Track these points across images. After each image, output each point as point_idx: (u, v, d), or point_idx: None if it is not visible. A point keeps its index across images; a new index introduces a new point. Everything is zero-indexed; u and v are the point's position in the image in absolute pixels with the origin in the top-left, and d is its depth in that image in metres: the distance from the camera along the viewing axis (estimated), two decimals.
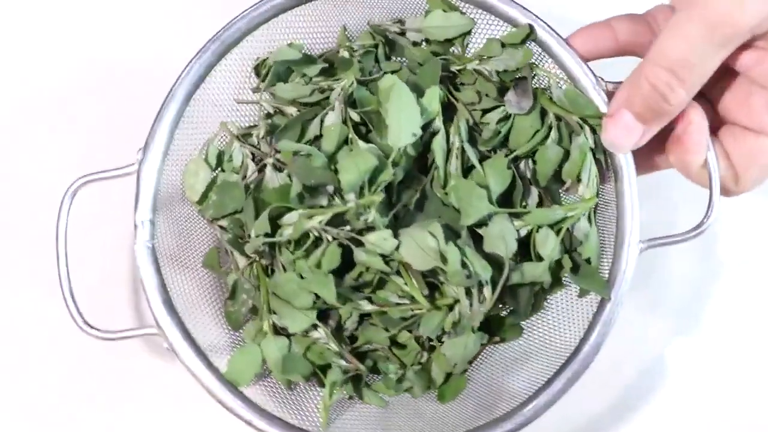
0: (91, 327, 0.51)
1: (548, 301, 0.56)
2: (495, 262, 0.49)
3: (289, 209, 0.50)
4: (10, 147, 0.63)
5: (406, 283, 0.50)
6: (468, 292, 0.49)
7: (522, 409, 0.50)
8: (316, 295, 0.50)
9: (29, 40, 0.66)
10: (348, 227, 0.49)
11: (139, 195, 0.52)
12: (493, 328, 0.55)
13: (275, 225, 0.50)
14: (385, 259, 0.49)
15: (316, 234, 0.49)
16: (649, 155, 0.52)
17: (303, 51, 0.56)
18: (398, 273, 0.50)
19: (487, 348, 0.56)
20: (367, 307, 0.51)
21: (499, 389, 0.53)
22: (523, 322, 0.56)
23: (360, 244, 0.49)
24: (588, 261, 0.52)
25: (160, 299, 0.51)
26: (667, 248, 0.51)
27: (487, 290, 0.49)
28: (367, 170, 0.48)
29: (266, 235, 0.50)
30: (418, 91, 0.51)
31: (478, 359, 0.56)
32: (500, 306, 0.55)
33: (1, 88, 0.65)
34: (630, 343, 0.58)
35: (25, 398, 0.60)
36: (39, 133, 0.63)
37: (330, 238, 0.49)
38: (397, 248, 0.48)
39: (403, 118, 0.49)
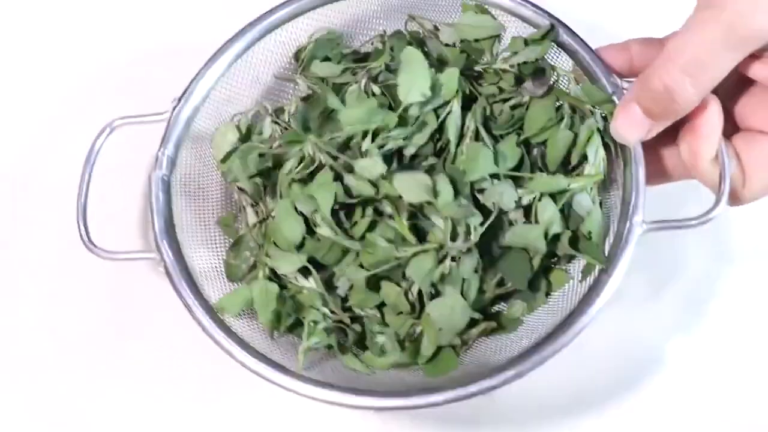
0: (96, 246, 0.53)
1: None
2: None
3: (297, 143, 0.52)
4: (57, 100, 0.69)
5: (392, 217, 0.50)
6: (454, 234, 0.49)
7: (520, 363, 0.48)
8: (307, 226, 0.51)
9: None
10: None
11: (167, 134, 0.55)
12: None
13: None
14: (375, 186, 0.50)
15: (310, 154, 0.50)
16: (659, 157, 0.53)
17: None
18: (390, 217, 0.51)
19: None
20: (355, 246, 0.51)
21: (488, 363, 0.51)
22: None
23: (351, 171, 0.50)
24: (589, 236, 0.51)
25: (162, 224, 0.53)
26: (677, 239, 0.50)
27: (474, 234, 0.49)
28: (371, 110, 0.50)
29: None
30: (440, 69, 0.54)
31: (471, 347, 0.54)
32: (497, 292, 0.54)
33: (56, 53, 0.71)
34: (633, 330, 0.55)
35: (35, 319, 0.62)
36: (87, 89, 0.69)
37: (323, 159, 0.50)
38: (385, 178, 0.49)
39: (413, 77, 0.51)
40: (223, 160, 0.58)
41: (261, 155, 0.56)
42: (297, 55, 0.61)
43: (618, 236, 0.50)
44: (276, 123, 0.59)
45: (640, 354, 0.56)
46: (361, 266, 0.51)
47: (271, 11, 0.59)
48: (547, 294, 0.54)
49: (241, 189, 0.58)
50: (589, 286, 0.50)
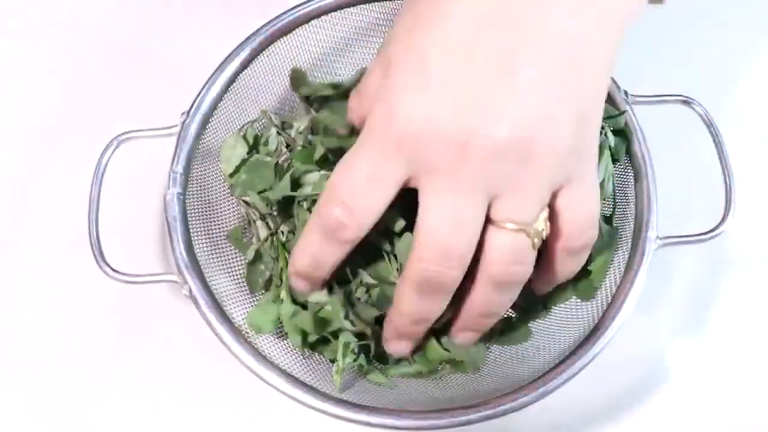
0: (114, 270, 0.51)
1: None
2: None
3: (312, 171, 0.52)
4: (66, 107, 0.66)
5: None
6: None
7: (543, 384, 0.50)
8: None
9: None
10: None
11: (177, 150, 0.54)
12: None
13: (297, 187, 0.52)
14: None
15: None
16: None
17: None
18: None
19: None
20: (368, 279, 0.51)
21: (510, 376, 0.53)
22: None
23: None
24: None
25: (182, 246, 0.52)
26: (677, 248, 0.53)
27: None
28: None
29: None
30: None
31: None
32: None
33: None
34: (635, 340, 0.58)
35: (54, 341, 0.60)
36: (91, 100, 0.66)
37: None
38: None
39: None
40: (232, 175, 0.57)
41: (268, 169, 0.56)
42: (293, 80, 0.60)
43: (633, 252, 0.52)
44: (280, 134, 0.58)
45: (644, 362, 0.59)
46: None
47: (276, 19, 0.58)
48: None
49: (247, 203, 0.57)
50: (607, 302, 0.52)
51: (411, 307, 0.45)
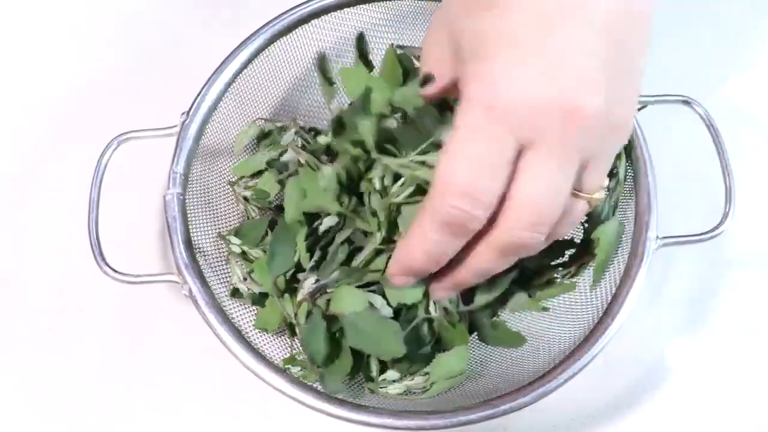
0: (114, 270, 0.51)
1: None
2: None
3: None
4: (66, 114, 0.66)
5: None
6: None
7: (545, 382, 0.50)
8: None
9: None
10: None
11: (177, 150, 0.54)
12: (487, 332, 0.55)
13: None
14: None
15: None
16: None
17: None
18: None
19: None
20: None
21: (510, 376, 0.53)
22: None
23: None
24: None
25: (181, 246, 0.52)
26: (677, 248, 0.53)
27: None
28: None
29: None
30: None
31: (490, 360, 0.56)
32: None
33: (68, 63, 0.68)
34: (635, 340, 0.58)
35: (60, 339, 0.60)
36: (92, 101, 0.67)
37: None
38: None
39: None
40: (238, 169, 0.57)
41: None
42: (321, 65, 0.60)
43: (633, 252, 0.52)
44: (298, 134, 0.58)
45: (644, 362, 0.59)
46: None
47: (276, 19, 0.57)
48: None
49: (246, 199, 0.57)
50: (607, 301, 0.52)
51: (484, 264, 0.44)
